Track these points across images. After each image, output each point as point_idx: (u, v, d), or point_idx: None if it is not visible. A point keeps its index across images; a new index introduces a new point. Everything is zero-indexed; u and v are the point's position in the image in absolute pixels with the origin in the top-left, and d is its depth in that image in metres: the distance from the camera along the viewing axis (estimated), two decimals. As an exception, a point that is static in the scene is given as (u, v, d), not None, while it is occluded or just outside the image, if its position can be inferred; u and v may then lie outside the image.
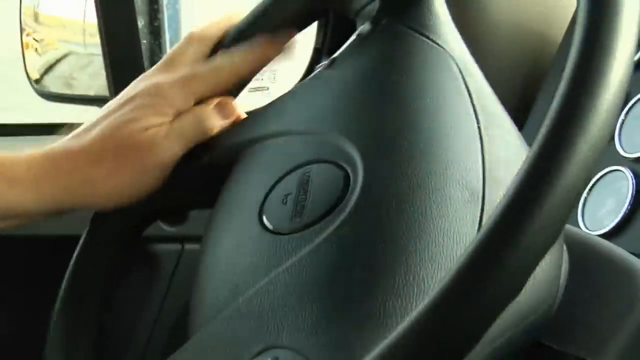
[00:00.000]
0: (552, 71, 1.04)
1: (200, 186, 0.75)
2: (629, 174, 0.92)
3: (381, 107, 0.65)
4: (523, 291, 0.46)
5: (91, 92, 1.38)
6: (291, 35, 0.78)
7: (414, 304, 0.52)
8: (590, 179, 0.47)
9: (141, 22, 1.25)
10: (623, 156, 0.94)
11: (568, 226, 0.65)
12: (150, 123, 0.72)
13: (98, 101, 1.34)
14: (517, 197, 0.46)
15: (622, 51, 0.49)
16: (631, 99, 0.96)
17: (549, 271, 0.60)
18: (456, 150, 0.62)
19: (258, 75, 0.82)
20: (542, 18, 1.10)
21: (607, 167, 0.95)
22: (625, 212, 0.91)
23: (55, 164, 0.72)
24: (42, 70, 1.49)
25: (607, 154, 0.95)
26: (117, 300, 0.75)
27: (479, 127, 0.63)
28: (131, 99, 0.74)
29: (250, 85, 0.82)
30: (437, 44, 0.68)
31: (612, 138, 0.96)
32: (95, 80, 1.28)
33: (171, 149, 0.72)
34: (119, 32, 1.18)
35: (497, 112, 0.66)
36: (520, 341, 0.58)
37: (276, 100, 0.76)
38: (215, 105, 0.75)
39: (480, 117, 0.64)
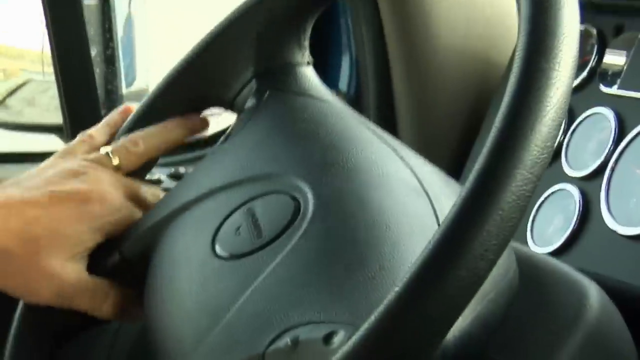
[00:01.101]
0: (498, 94, 1.05)
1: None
2: (575, 192, 0.94)
3: (300, 143, 0.70)
4: None
5: (51, 109, 1.40)
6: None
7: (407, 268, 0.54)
8: (540, 177, 0.51)
9: (94, 51, 1.26)
10: (570, 175, 0.96)
11: (516, 244, 0.67)
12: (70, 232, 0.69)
13: (54, 130, 1.35)
14: (475, 193, 0.50)
15: (561, 80, 0.51)
16: (576, 119, 0.98)
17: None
18: (384, 162, 0.67)
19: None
20: (487, 42, 1.11)
21: (554, 185, 0.97)
22: (572, 230, 0.92)
23: None
24: (5, 94, 1.55)
25: (554, 173, 0.97)
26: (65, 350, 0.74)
27: (392, 149, 0.69)
28: (82, 193, 0.70)
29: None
30: (322, 100, 0.74)
31: (559, 156, 0.98)
32: (54, 100, 1.30)
33: (43, 292, 0.69)
34: (72, 60, 1.18)
35: (400, 144, 0.71)
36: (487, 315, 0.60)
37: (179, 182, 0.76)
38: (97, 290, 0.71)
39: (389, 143, 0.70)
